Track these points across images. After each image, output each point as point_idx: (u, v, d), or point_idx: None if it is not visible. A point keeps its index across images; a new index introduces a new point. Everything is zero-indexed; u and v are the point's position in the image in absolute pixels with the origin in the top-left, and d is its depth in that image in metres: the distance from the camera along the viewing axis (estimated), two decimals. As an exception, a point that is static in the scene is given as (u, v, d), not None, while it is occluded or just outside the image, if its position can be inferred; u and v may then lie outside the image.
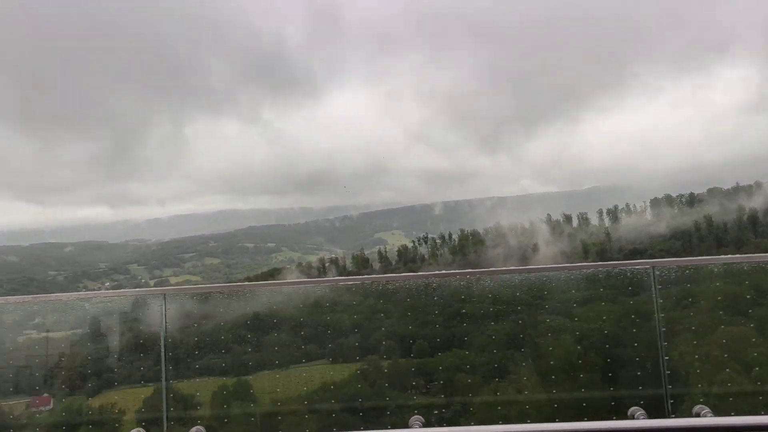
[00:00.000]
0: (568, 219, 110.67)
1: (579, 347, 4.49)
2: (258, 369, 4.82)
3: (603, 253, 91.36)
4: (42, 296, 4.54)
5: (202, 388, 4.68)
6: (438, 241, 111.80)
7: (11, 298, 4.31)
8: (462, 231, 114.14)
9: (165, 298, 4.19)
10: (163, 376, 4.23)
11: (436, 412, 4.60)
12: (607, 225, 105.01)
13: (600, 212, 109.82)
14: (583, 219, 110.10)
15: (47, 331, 4.48)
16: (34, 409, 4.40)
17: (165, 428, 4.37)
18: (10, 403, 4.48)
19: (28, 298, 4.12)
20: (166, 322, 4.22)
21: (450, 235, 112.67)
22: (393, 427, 4.55)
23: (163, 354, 4.19)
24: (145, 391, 4.50)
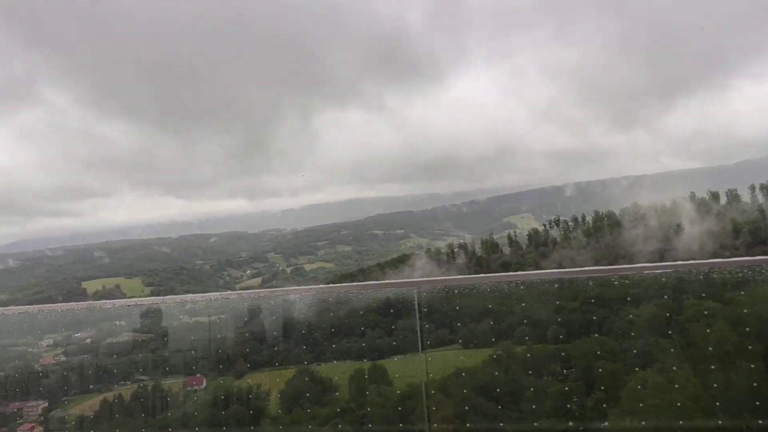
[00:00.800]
0: (714, 197, 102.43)
1: (735, 334, 4.14)
2: (392, 353, 4.90)
3: (757, 232, 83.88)
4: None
5: (339, 371, 4.84)
6: (570, 223, 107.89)
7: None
8: (596, 212, 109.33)
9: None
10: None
11: (576, 399, 4.45)
12: (761, 202, 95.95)
13: (752, 188, 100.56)
14: (733, 196, 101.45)
15: (209, 317, 4.80)
16: (189, 388, 4.75)
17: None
18: (169, 382, 4.86)
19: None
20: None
21: (583, 217, 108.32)
22: (530, 414, 4.46)
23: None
24: (288, 373, 4.72)
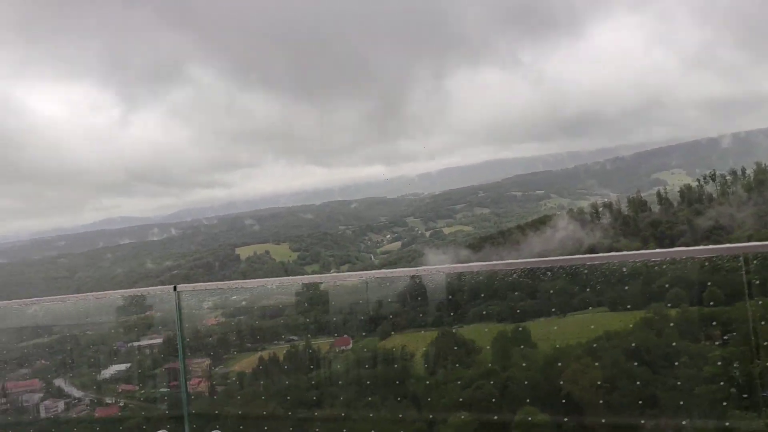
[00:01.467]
0: None
1: None
2: (534, 316, 4.80)
3: None
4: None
5: (481, 333, 4.82)
6: (728, 177, 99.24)
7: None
8: (758, 165, 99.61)
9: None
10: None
11: (736, 364, 4.13)
12: None
13: None
14: None
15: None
16: (336, 348, 4.96)
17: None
18: (318, 342, 5.10)
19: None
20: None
21: (743, 171, 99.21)
22: (686, 380, 4.21)
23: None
24: (430, 335, 4.79)
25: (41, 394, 5.46)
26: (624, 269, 4.29)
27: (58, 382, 5.44)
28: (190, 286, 4.65)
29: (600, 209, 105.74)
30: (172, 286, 4.55)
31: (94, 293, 4.91)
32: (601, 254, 4.21)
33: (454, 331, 4.83)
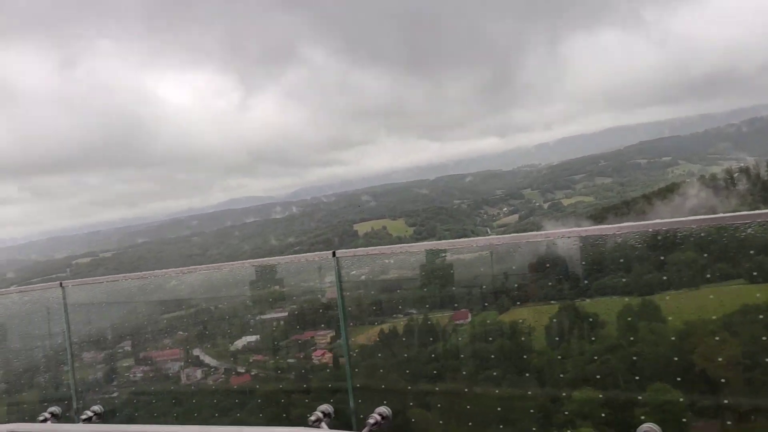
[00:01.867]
0: None
1: None
2: (663, 289, 4.56)
3: None
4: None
5: (604, 307, 4.65)
6: None
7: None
8: None
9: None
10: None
11: None
12: None
13: None
14: None
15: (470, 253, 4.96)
16: (455, 322, 4.97)
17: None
18: (436, 315, 5.13)
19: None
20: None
21: None
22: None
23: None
24: (551, 309, 4.68)
25: (182, 363, 5.90)
26: (762, 240, 3.97)
27: (196, 351, 5.85)
28: (349, 252, 4.81)
29: (735, 175, 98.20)
30: (330, 251, 4.71)
31: (251, 260, 5.23)
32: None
33: (576, 304, 4.69)
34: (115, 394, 6.18)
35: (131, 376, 6.11)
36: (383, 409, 4.17)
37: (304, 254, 4.94)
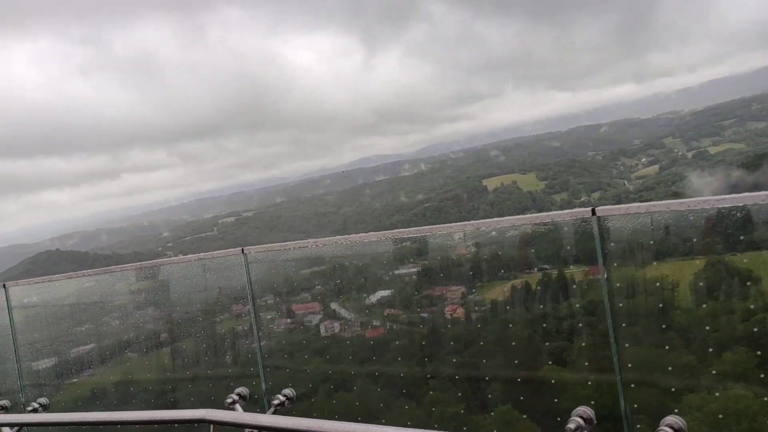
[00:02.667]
0: None
1: None
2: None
3: None
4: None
5: (758, 262, 4.28)
6: None
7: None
8: None
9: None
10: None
11: None
12: None
13: None
14: None
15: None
16: (590, 277, 4.80)
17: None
18: (570, 271, 4.98)
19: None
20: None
21: None
22: None
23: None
24: (697, 264, 4.38)
25: (320, 316, 6.18)
26: None
27: (334, 305, 6.10)
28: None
29: None
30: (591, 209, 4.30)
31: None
32: None
33: (725, 259, 4.34)
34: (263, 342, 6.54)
35: (275, 327, 6.49)
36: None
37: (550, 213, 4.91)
